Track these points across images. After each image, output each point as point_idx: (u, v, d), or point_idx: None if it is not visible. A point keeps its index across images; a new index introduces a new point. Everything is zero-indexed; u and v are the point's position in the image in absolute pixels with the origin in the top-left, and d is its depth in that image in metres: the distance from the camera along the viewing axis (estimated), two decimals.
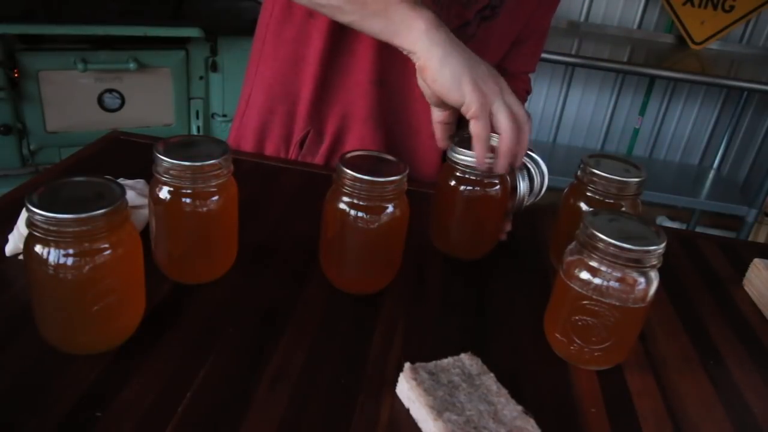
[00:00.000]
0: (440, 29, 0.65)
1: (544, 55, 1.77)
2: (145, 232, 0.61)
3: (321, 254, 0.64)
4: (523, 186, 0.70)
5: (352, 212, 0.58)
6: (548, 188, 0.71)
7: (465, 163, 0.66)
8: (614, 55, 2.15)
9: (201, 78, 2.10)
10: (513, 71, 0.96)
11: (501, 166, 0.65)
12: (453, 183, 0.68)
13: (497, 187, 0.68)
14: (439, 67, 0.64)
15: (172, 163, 0.54)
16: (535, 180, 0.71)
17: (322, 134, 0.91)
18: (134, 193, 0.67)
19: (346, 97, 0.89)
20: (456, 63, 0.64)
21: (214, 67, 2.09)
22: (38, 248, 0.46)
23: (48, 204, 0.45)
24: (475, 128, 0.64)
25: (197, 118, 2.16)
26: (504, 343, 0.60)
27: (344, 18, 0.69)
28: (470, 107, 0.64)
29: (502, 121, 0.64)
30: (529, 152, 0.69)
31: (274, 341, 0.55)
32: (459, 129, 0.74)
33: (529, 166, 0.70)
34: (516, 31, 0.92)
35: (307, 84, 0.88)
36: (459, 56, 0.65)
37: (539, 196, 0.72)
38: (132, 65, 1.93)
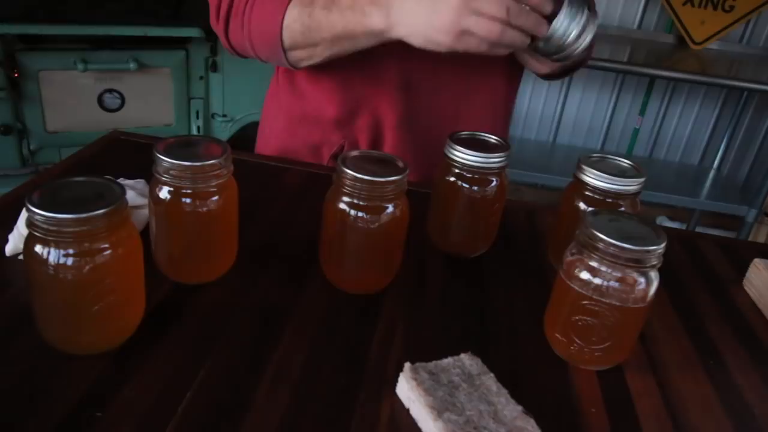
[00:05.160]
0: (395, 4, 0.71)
1: None
2: (145, 232, 0.61)
3: (321, 254, 0.64)
4: (563, 18, 0.70)
5: (352, 212, 0.58)
6: (548, 188, 0.70)
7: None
8: (614, 55, 2.15)
9: (201, 78, 2.10)
10: None
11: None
12: (451, 179, 0.68)
13: (494, 183, 0.68)
14: (412, 34, 0.72)
15: (172, 163, 0.54)
16: (577, 18, 0.69)
17: (356, 145, 0.92)
18: (134, 193, 0.67)
19: (374, 105, 0.89)
20: (416, 16, 0.70)
21: (214, 67, 2.09)
22: (38, 248, 0.46)
23: (48, 204, 0.45)
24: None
25: (197, 118, 2.16)
26: (504, 343, 0.60)
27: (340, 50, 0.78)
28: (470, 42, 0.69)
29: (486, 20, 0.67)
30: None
31: (274, 341, 0.55)
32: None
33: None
34: None
35: (331, 99, 0.89)
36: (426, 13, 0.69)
37: (579, 41, 0.70)
38: (132, 65, 1.93)
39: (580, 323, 0.55)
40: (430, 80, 0.88)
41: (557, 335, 0.58)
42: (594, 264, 0.54)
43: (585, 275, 0.54)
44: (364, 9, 0.74)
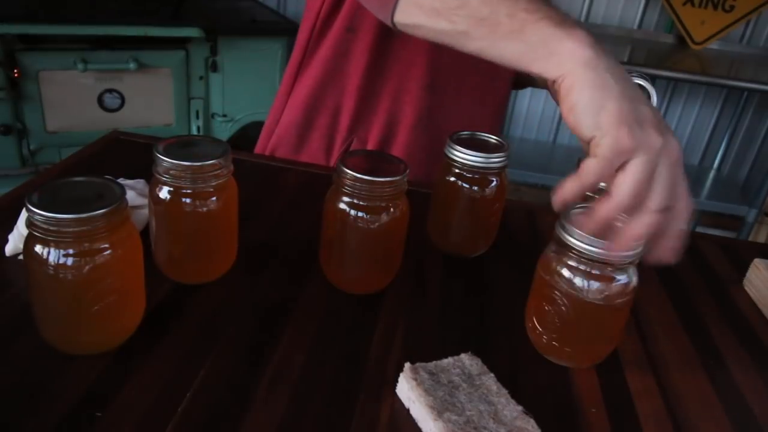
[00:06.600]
0: (596, 50, 0.50)
1: None
2: (145, 232, 0.61)
3: (321, 254, 0.64)
4: None
5: (352, 212, 0.58)
6: (548, 188, 0.70)
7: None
8: (614, 55, 2.15)
9: (201, 78, 2.10)
10: None
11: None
12: (451, 179, 0.68)
13: (494, 183, 0.68)
14: (580, 90, 0.48)
15: (172, 163, 0.54)
16: None
17: (365, 142, 0.91)
18: (134, 193, 0.67)
19: (392, 104, 0.88)
20: (606, 90, 0.48)
21: (214, 67, 2.09)
22: (38, 248, 0.46)
23: (48, 204, 0.45)
24: (588, 165, 0.47)
25: (197, 118, 2.16)
26: (504, 343, 0.60)
27: (471, 45, 0.56)
28: (599, 142, 0.47)
29: (628, 182, 0.46)
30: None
31: (274, 341, 0.55)
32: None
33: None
34: None
35: (350, 96, 0.88)
36: (616, 86, 0.48)
37: None
38: (132, 65, 1.93)
39: (558, 321, 0.55)
40: (454, 81, 0.87)
41: (538, 331, 0.57)
42: (572, 263, 0.54)
43: (564, 273, 0.54)
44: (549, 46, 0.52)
